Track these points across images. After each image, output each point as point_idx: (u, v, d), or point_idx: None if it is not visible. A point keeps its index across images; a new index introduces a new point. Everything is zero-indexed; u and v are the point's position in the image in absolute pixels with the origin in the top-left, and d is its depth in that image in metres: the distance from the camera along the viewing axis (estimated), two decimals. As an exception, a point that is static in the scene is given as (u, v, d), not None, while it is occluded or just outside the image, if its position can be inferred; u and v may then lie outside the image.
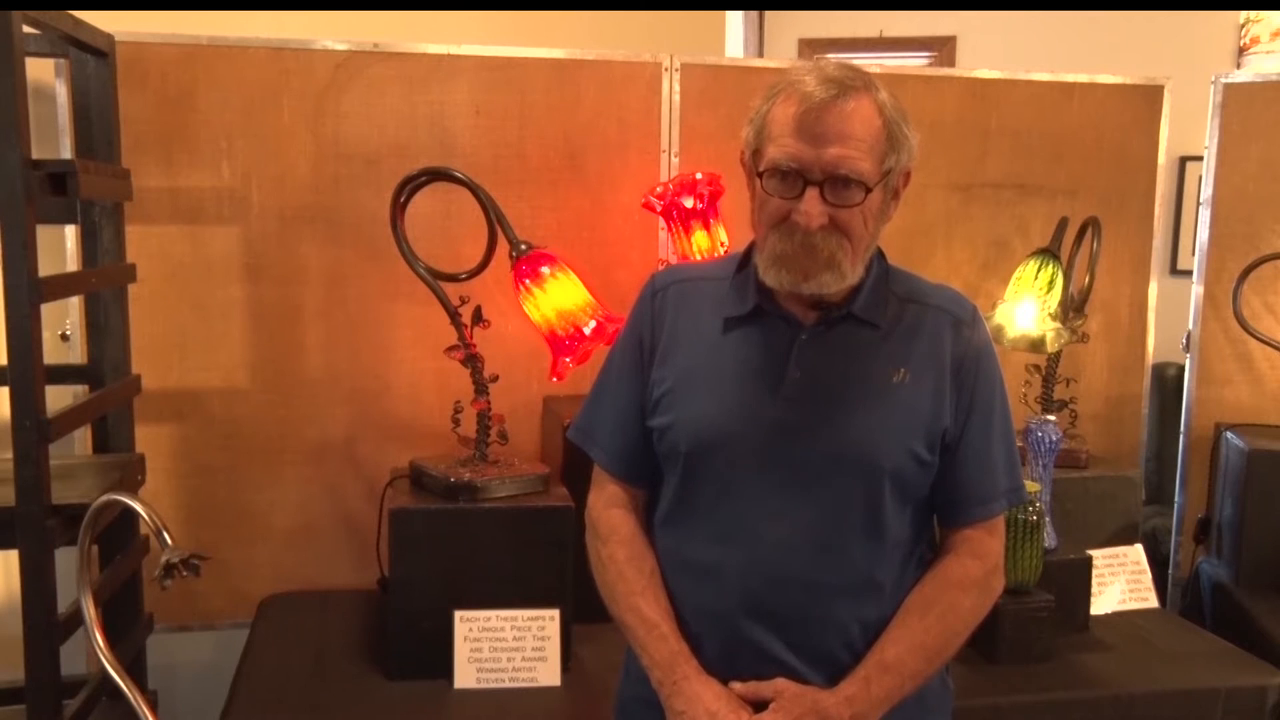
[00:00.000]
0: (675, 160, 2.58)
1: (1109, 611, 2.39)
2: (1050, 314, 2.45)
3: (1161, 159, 2.89)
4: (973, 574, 1.41)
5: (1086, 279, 2.59)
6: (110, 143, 2.13)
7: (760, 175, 1.33)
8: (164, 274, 2.34)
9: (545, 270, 2.07)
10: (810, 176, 1.29)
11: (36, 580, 1.68)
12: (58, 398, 1.94)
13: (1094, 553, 2.36)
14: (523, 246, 2.07)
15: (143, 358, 2.26)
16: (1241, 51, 4.71)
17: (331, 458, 2.46)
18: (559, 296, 2.07)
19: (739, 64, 2.93)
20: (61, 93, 2.29)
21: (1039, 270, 2.47)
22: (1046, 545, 2.21)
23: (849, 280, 1.34)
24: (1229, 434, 2.75)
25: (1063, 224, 2.58)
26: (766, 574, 1.35)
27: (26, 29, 1.71)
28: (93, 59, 2.11)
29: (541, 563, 2.04)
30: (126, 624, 2.17)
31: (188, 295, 2.37)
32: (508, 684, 2.00)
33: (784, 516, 1.35)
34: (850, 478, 1.35)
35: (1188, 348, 2.98)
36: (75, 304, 2.30)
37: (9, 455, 1.68)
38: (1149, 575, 2.48)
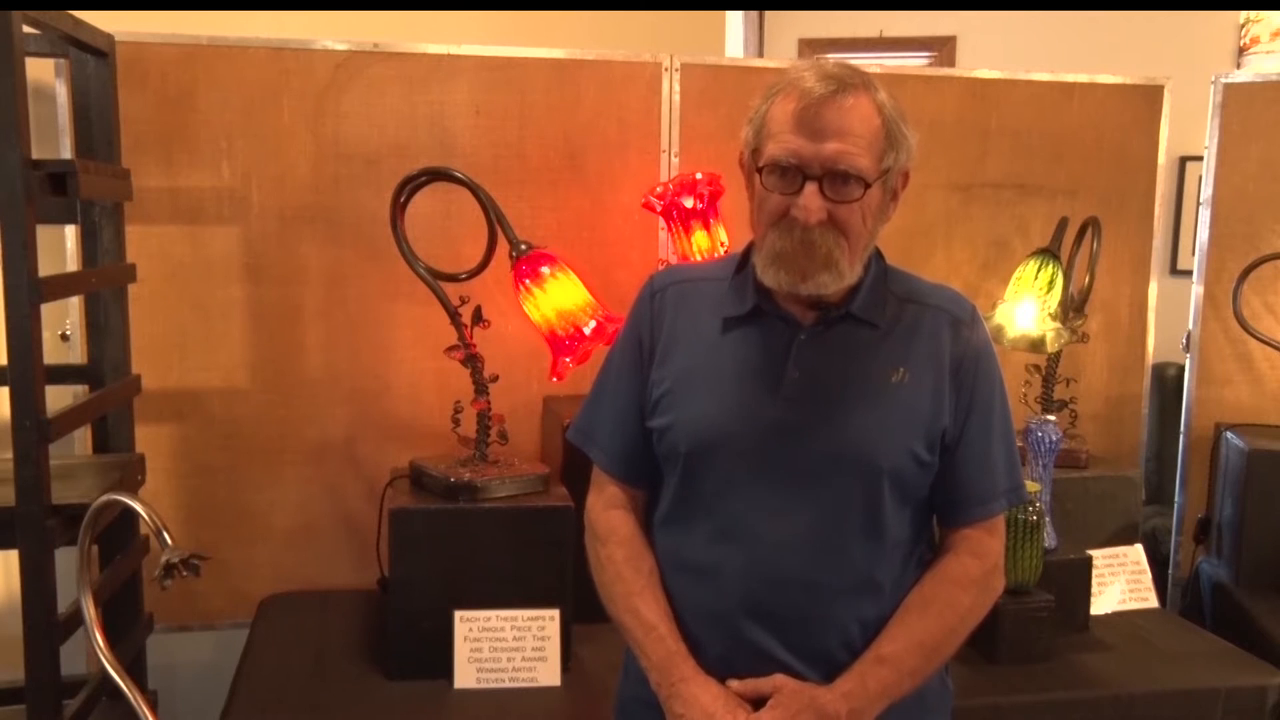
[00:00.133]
0: (675, 160, 2.58)
1: (1109, 611, 2.39)
2: (1050, 314, 2.45)
3: (1161, 159, 2.89)
4: (972, 572, 1.41)
5: (1086, 279, 2.59)
6: (110, 143, 2.13)
7: (760, 171, 1.33)
8: (164, 274, 2.34)
9: (545, 270, 2.07)
10: (809, 171, 1.29)
11: (36, 580, 1.68)
12: (58, 398, 1.94)
13: (1094, 553, 2.37)
14: (523, 246, 2.07)
15: (143, 358, 2.26)
16: (1241, 51, 4.71)
17: (331, 458, 2.46)
18: (559, 296, 2.07)
19: (739, 64, 2.94)
20: (61, 93, 2.29)
21: (1039, 270, 2.47)
22: (1046, 545, 2.21)
23: (847, 280, 1.34)
24: (1229, 434, 2.75)
25: (1063, 224, 2.58)
26: (766, 574, 1.35)
27: (26, 29, 1.71)
28: (93, 59, 2.11)
29: (541, 563, 2.04)
30: (126, 624, 2.17)
31: (188, 295, 2.37)
32: (508, 684, 2.00)
33: (783, 517, 1.35)
34: (849, 478, 1.35)
35: (1188, 348, 2.98)
36: (75, 304, 2.30)
37: (9, 455, 1.68)
38: (1149, 575, 2.48)
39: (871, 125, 1.30)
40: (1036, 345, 2.45)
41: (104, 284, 2.14)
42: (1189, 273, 3.03)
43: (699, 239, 2.37)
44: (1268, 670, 2.14)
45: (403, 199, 2.11)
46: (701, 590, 1.39)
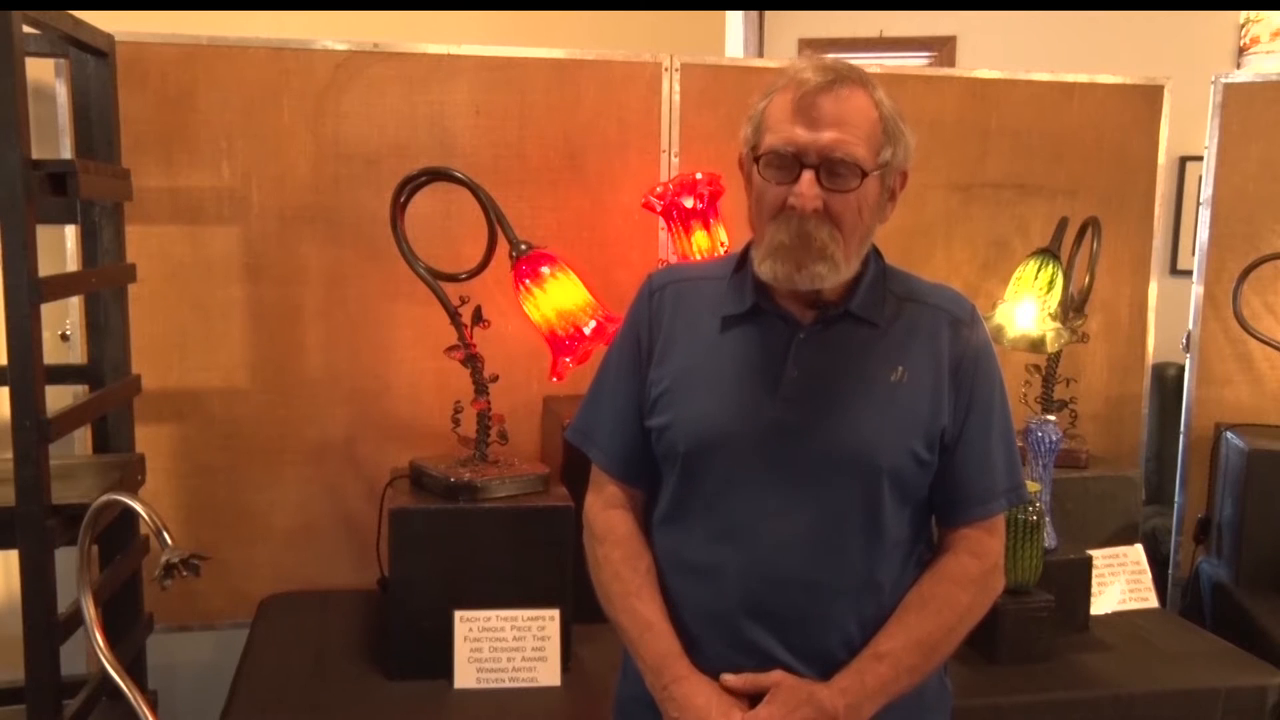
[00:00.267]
0: (675, 160, 2.58)
1: (1109, 611, 2.39)
2: (1050, 314, 2.45)
3: (1161, 159, 2.89)
4: (971, 572, 1.41)
5: (1086, 279, 2.59)
6: (110, 143, 2.13)
7: (758, 161, 1.34)
8: (164, 274, 2.34)
9: (545, 270, 2.07)
10: (806, 160, 1.29)
11: (36, 580, 1.68)
12: (58, 398, 1.94)
13: (1094, 553, 2.36)
14: (523, 246, 2.07)
15: (143, 358, 2.26)
16: (1241, 51, 4.71)
17: (331, 458, 2.46)
18: (559, 296, 2.07)
19: (739, 64, 2.94)
20: (61, 93, 2.29)
21: (1039, 270, 2.47)
22: (1046, 545, 2.21)
23: (842, 273, 1.34)
24: (1229, 434, 2.75)
25: (1063, 224, 2.58)
26: (765, 574, 1.35)
27: (26, 29, 1.71)
28: (93, 59, 2.11)
29: (541, 563, 2.04)
30: (126, 624, 2.17)
31: (188, 295, 2.37)
32: (508, 684, 2.00)
33: (783, 516, 1.35)
34: (849, 477, 1.35)
35: (1188, 348, 2.98)
36: (75, 304, 2.30)
37: (9, 455, 1.68)
38: (1149, 575, 2.48)
39: (868, 118, 1.31)
40: (1036, 345, 2.45)
41: (104, 284, 2.14)
42: (1189, 273, 3.03)
43: (699, 239, 2.38)
44: (1268, 670, 2.14)
45: (403, 199, 2.11)
46: (701, 590, 1.39)
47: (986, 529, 1.43)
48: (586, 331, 2.06)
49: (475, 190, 2.09)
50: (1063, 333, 2.45)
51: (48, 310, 1.71)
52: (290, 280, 2.41)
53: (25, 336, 1.66)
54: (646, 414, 1.44)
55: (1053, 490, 2.35)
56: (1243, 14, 4.68)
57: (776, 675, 1.34)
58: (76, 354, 2.33)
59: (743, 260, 1.43)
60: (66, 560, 1.60)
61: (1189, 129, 3.08)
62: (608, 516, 1.48)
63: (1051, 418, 2.38)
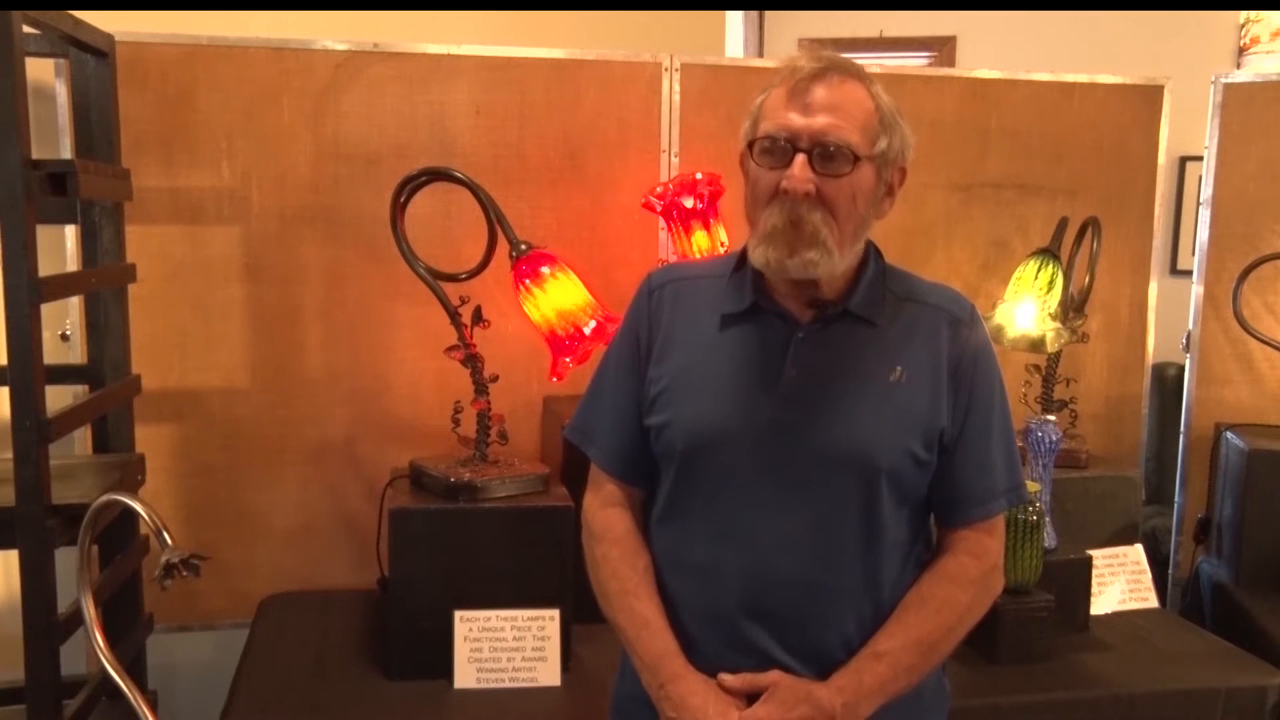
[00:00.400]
0: (675, 160, 2.58)
1: (1109, 611, 2.39)
2: (1050, 314, 2.45)
3: (1161, 159, 2.89)
4: (970, 572, 1.41)
5: (1086, 279, 2.59)
6: (110, 143, 2.13)
7: (752, 148, 1.34)
8: (164, 274, 2.34)
9: (545, 270, 2.07)
10: (799, 144, 1.30)
11: (36, 580, 1.68)
12: (58, 398, 1.94)
13: (1094, 553, 2.36)
14: (523, 246, 2.07)
15: (143, 358, 2.26)
16: (1241, 51, 4.71)
17: (331, 458, 2.46)
18: (559, 296, 2.07)
19: (739, 64, 2.94)
20: (61, 93, 2.29)
21: (1039, 270, 2.47)
22: (1046, 545, 2.21)
23: (835, 261, 1.33)
24: (1229, 434, 2.75)
25: (1063, 224, 2.58)
26: (764, 574, 1.35)
27: (26, 29, 1.71)
28: (93, 59, 2.10)
29: (541, 563, 2.04)
30: (126, 624, 2.17)
31: (188, 295, 2.37)
32: (508, 684, 2.00)
33: (781, 516, 1.35)
34: (847, 477, 1.34)
35: (1188, 348, 2.98)
36: (75, 304, 2.30)
37: (9, 455, 1.68)
38: (1149, 575, 2.48)
39: (863, 106, 1.32)
40: (1036, 345, 2.45)
41: (104, 284, 2.14)
42: (1189, 273, 3.02)
43: (699, 239, 2.38)
44: (1268, 670, 2.14)
45: (403, 199, 2.11)
46: (699, 589, 1.39)
47: (986, 529, 1.43)
48: (586, 331, 2.06)
49: (475, 190, 2.09)
50: (1063, 333, 2.45)
51: (48, 310, 1.71)
52: (290, 280, 2.41)
53: (25, 336, 1.66)
54: (645, 412, 1.44)
55: (1053, 490, 2.35)
56: (1243, 14, 4.68)
57: (774, 675, 1.34)
58: (76, 354, 2.33)
59: (742, 259, 1.43)
60: (66, 560, 1.60)
61: (1189, 129, 3.08)
62: (606, 515, 1.48)
63: (1051, 418, 2.38)
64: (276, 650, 2.13)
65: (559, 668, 2.01)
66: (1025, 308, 2.46)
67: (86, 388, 2.18)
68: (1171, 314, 3.08)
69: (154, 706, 1.50)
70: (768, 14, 4.94)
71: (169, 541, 1.35)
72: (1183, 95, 2.87)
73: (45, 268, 1.70)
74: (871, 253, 1.43)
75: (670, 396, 1.41)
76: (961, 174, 2.78)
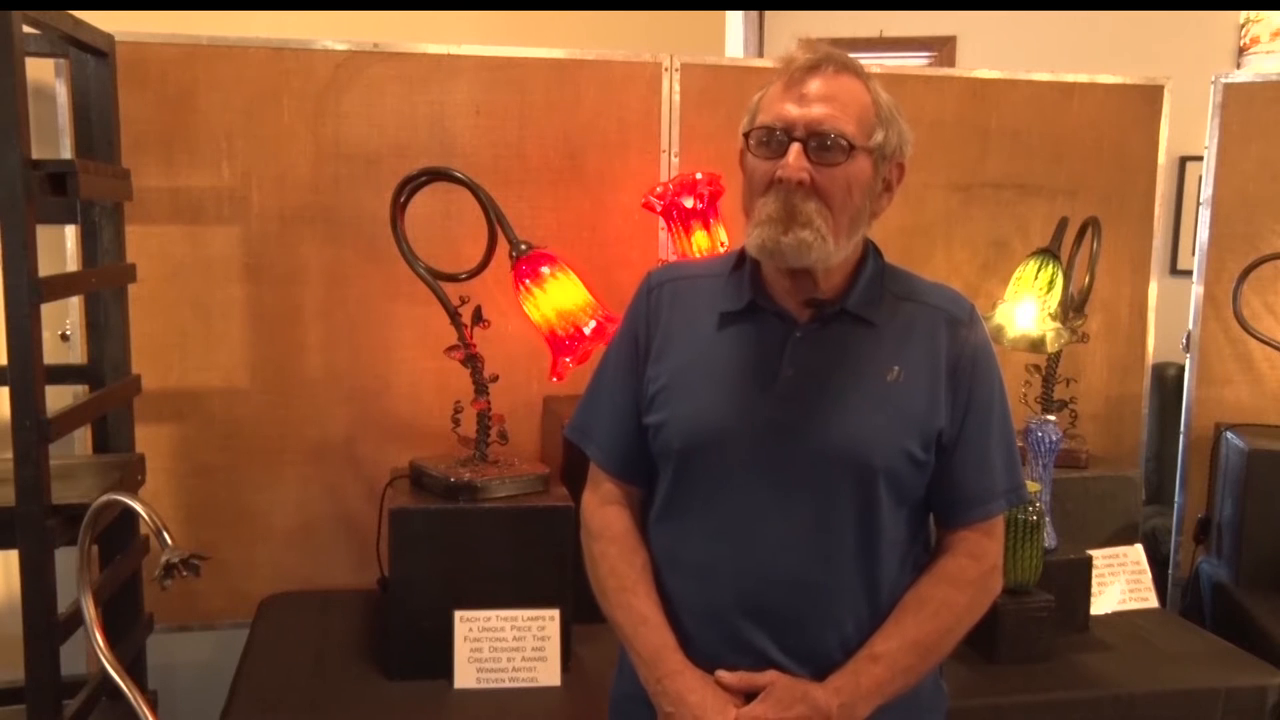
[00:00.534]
0: (675, 160, 2.58)
1: (1109, 611, 2.39)
2: (1050, 314, 2.44)
3: (1161, 159, 2.89)
4: (969, 573, 1.41)
5: (1086, 279, 2.59)
6: (110, 143, 2.13)
7: (749, 139, 1.34)
8: (164, 274, 2.34)
9: (545, 270, 2.07)
10: (794, 134, 1.30)
11: (36, 580, 1.68)
12: (58, 398, 1.94)
13: (1094, 553, 2.37)
14: (523, 246, 2.07)
15: (143, 358, 2.26)
16: (1241, 51, 4.71)
17: (331, 458, 2.46)
18: (559, 296, 2.07)
19: (739, 64, 2.94)
20: (61, 93, 2.29)
21: (1039, 270, 2.47)
22: (1046, 545, 2.21)
23: (830, 249, 1.32)
24: (1229, 434, 2.75)
25: (1063, 224, 2.58)
26: (760, 573, 1.35)
27: (26, 29, 1.71)
28: (93, 59, 2.10)
29: (541, 563, 2.04)
30: (126, 624, 2.17)
31: (188, 295, 2.37)
32: (508, 684, 2.00)
33: (778, 515, 1.35)
34: (843, 477, 1.34)
35: (1188, 348, 2.98)
36: (75, 304, 2.30)
37: (9, 455, 1.68)
38: (1149, 575, 2.48)
39: (859, 99, 1.32)
40: (1036, 345, 2.45)
41: (104, 284, 2.14)
42: (1189, 273, 3.02)
43: (699, 239, 2.38)
44: (1268, 670, 2.14)
45: (403, 199, 2.11)
46: (696, 588, 1.39)
47: (984, 531, 1.43)
48: (586, 331, 2.06)
49: (475, 190, 2.09)
50: (1063, 333, 2.45)
51: (48, 310, 1.71)
52: (290, 280, 2.41)
53: (25, 336, 1.66)
54: (643, 411, 1.44)
55: (1053, 490, 2.35)
56: (1243, 14, 4.68)
57: (771, 674, 1.34)
58: (76, 354, 2.33)
59: (741, 258, 1.43)
60: (66, 560, 1.60)
61: (1189, 129, 3.08)
62: (604, 513, 1.48)
63: (1051, 418, 2.39)
64: (276, 650, 2.13)
65: (559, 668, 2.01)
66: (1025, 308, 2.46)
67: (86, 388, 2.18)
68: (1171, 314, 3.08)
69: (154, 706, 1.50)
70: (768, 14, 4.94)
71: (169, 541, 1.35)
72: (1183, 95, 2.87)
73: (45, 268, 1.70)
74: (870, 251, 1.43)
75: (668, 395, 1.41)
76: (961, 174, 2.78)
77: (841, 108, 1.30)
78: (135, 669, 2.20)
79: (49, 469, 1.72)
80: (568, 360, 2.08)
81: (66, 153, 2.28)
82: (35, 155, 1.68)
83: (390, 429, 2.47)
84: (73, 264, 2.28)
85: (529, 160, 2.50)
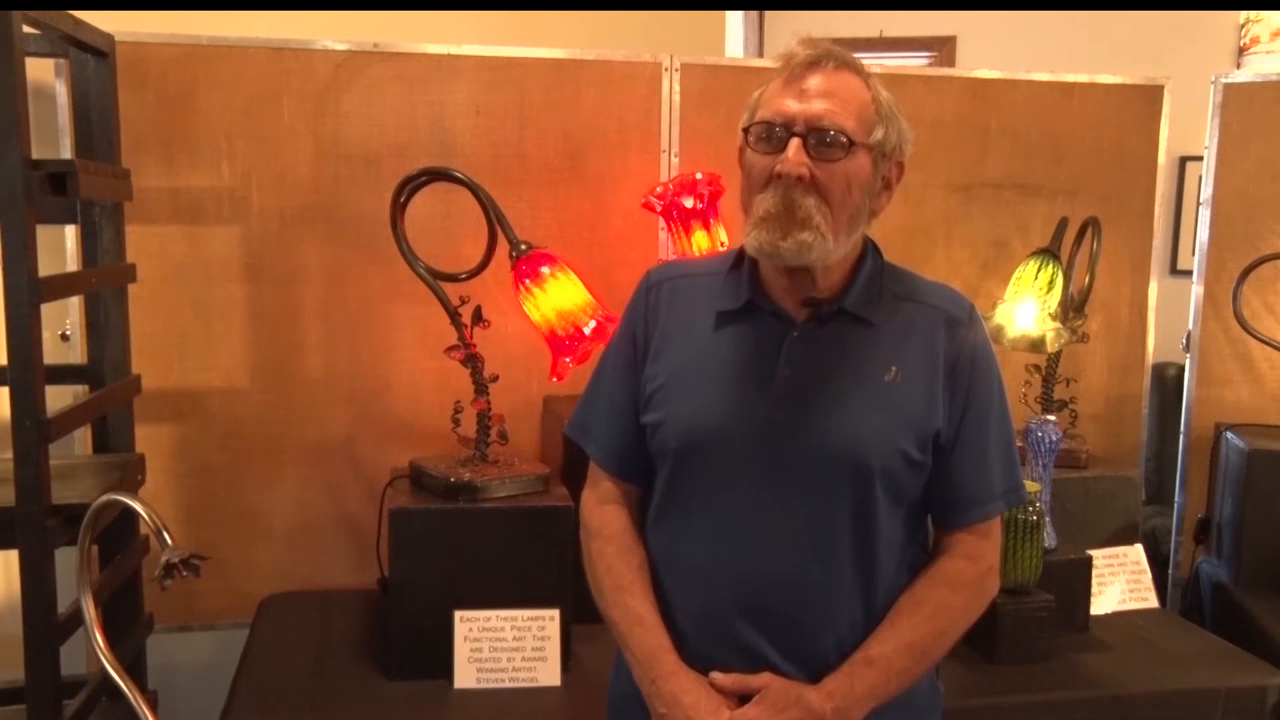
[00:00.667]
0: (675, 160, 2.58)
1: (1109, 611, 2.39)
2: (1050, 314, 2.44)
3: (1161, 159, 2.89)
4: (965, 575, 1.40)
5: (1086, 279, 2.59)
6: (110, 143, 2.13)
7: (748, 134, 1.34)
8: (164, 274, 2.34)
9: (545, 270, 2.07)
10: (794, 129, 1.30)
11: (36, 580, 1.68)
12: (58, 398, 1.94)
13: (1094, 553, 2.36)
14: (523, 246, 2.07)
15: (143, 358, 2.26)
16: (1241, 51, 4.71)
17: (331, 458, 2.46)
18: (559, 296, 2.07)
19: (739, 64, 2.93)
20: (61, 93, 2.29)
21: (1039, 270, 2.47)
22: (1046, 545, 2.21)
23: (829, 247, 1.32)
24: (1229, 434, 2.75)
25: (1063, 224, 2.58)
26: (757, 573, 1.35)
27: (26, 29, 1.71)
28: (93, 59, 2.10)
29: (541, 563, 2.04)
30: (126, 624, 2.17)
31: (188, 295, 2.37)
32: (508, 684, 2.00)
33: (774, 516, 1.35)
34: (840, 477, 1.34)
35: (1188, 348, 2.98)
36: (75, 304, 2.30)
37: (9, 455, 1.68)
38: (1149, 575, 2.48)
39: (859, 95, 1.32)
40: (1036, 345, 2.45)
41: (104, 284, 2.14)
42: (1189, 273, 3.02)
43: (699, 239, 2.38)
44: (1268, 670, 2.14)
45: (403, 199, 2.11)
46: (692, 588, 1.39)
47: (981, 533, 1.42)
48: (586, 331, 2.06)
49: (475, 190, 2.09)
50: (1063, 333, 2.45)
51: (48, 310, 1.71)
52: (290, 280, 2.41)
53: (25, 336, 1.66)
54: (641, 410, 1.44)
55: (1053, 490, 2.35)
56: (1243, 14, 4.68)
57: (766, 677, 1.34)
58: (76, 354, 2.33)
59: (740, 256, 1.43)
60: (66, 560, 1.60)
61: (1189, 129, 3.08)
62: (603, 512, 1.48)
63: (1051, 418, 2.39)
64: (276, 650, 2.13)
65: (559, 668, 2.01)
66: (1025, 308, 2.46)
67: (86, 388, 2.18)
68: (1171, 314, 3.08)
69: (154, 706, 1.50)
70: (768, 14, 4.94)
71: (169, 541, 1.34)
72: (1183, 95, 2.87)
73: (45, 268, 1.70)
74: (869, 250, 1.42)
75: (665, 395, 1.41)
76: (961, 174, 2.78)
77: (841, 104, 1.30)
78: (135, 669, 2.20)
79: (49, 469, 1.72)
80: (568, 360, 2.08)
81: (66, 153, 2.28)
82: (35, 155, 1.68)
83: (390, 429, 2.47)
84: (73, 264, 2.28)
85: (529, 160, 2.50)
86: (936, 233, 2.78)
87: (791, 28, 5.04)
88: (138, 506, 1.38)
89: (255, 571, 2.43)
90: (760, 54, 4.81)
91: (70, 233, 2.28)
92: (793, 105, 1.30)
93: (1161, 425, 3.84)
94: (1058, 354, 2.57)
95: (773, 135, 1.31)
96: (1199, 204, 2.97)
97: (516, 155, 2.49)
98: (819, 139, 1.29)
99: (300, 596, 2.40)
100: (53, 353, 2.07)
